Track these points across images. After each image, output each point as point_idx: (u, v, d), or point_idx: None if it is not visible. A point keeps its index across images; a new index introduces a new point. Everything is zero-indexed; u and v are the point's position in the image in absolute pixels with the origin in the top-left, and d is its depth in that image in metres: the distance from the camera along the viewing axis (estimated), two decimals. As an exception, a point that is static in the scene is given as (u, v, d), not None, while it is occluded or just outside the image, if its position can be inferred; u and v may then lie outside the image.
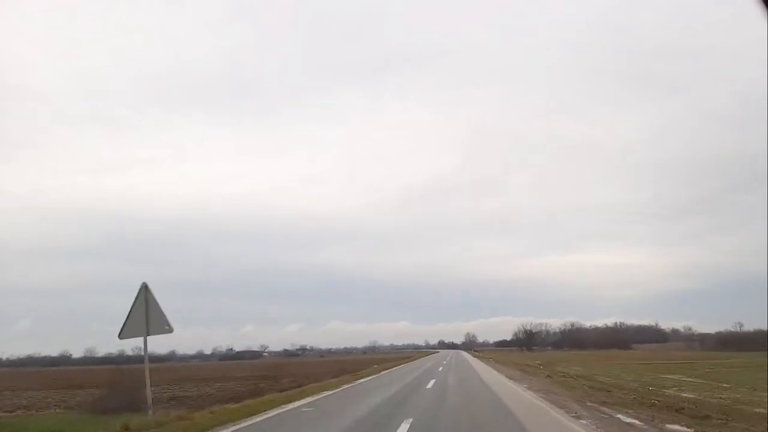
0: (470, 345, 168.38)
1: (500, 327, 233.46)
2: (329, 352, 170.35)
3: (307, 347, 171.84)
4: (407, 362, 47.99)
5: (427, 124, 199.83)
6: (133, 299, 11.33)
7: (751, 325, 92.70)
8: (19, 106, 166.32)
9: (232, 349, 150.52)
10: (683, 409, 12.26)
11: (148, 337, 11.14)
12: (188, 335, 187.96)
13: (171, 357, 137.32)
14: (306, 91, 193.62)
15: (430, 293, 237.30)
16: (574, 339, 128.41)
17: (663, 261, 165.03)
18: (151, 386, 11.46)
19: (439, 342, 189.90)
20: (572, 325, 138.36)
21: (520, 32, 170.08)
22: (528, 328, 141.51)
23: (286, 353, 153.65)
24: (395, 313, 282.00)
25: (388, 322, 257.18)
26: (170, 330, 11.33)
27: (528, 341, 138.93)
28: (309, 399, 15.77)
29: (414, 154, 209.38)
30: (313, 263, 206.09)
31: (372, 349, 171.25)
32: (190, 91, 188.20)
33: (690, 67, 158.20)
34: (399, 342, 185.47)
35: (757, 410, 13.10)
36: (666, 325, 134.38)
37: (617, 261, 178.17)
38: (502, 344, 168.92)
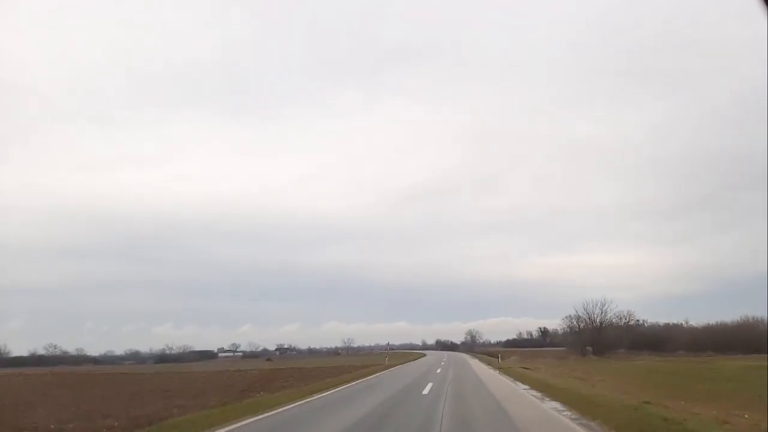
0: (471, 345, 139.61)
1: (499, 327, 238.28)
2: (310, 352, 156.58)
3: (285, 346, 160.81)
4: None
5: (427, 122, 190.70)
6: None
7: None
8: (11, 103, 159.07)
9: (168, 349, 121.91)
10: None
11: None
12: (183, 334, 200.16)
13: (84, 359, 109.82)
14: (305, 89, 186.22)
15: (429, 293, 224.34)
16: (648, 338, 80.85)
17: (662, 261, 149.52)
18: None
19: (436, 341, 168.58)
20: (628, 316, 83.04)
21: (521, 29, 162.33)
22: (591, 314, 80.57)
23: (256, 353, 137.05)
24: (394, 313, 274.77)
25: (387, 322, 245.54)
26: None
27: (597, 339, 77.26)
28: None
29: (414, 153, 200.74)
30: (311, 263, 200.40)
31: (347, 350, 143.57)
32: (186, 89, 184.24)
33: (692, 64, 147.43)
34: (396, 341, 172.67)
35: None
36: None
37: (617, 261, 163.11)
38: (511, 344, 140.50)
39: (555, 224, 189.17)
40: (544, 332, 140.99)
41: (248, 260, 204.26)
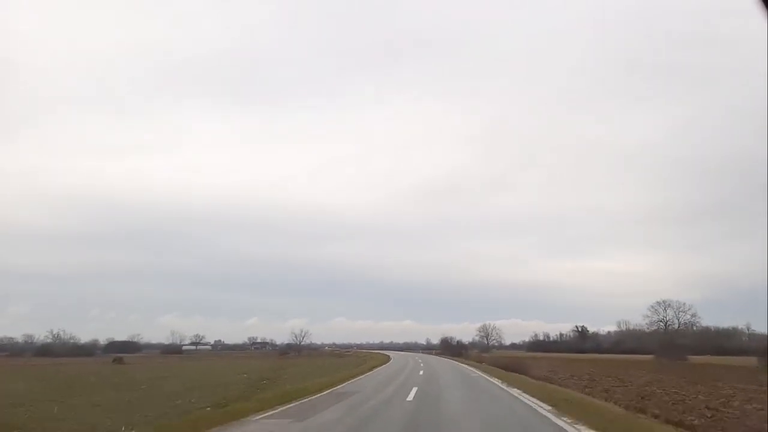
0: (486, 347, 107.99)
1: (509, 330, 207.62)
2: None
3: (258, 340, 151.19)
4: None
5: (438, 117, 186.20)
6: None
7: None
8: (23, 85, 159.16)
9: (54, 337, 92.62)
10: None
11: None
12: (189, 324, 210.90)
13: None
14: (316, 80, 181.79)
15: (437, 292, 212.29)
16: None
17: (673, 267, 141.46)
18: None
19: (441, 340, 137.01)
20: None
21: (535, 25, 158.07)
22: None
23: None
24: (401, 311, 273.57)
25: (394, 320, 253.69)
26: None
27: None
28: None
29: (425, 148, 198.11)
30: (320, 258, 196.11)
31: (297, 348, 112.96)
32: (197, 77, 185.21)
33: (712, 61, 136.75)
34: (400, 340, 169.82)
35: None
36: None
37: (627, 267, 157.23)
38: (537, 347, 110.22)
39: (565, 227, 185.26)
40: (582, 333, 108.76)
41: (255, 252, 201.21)
